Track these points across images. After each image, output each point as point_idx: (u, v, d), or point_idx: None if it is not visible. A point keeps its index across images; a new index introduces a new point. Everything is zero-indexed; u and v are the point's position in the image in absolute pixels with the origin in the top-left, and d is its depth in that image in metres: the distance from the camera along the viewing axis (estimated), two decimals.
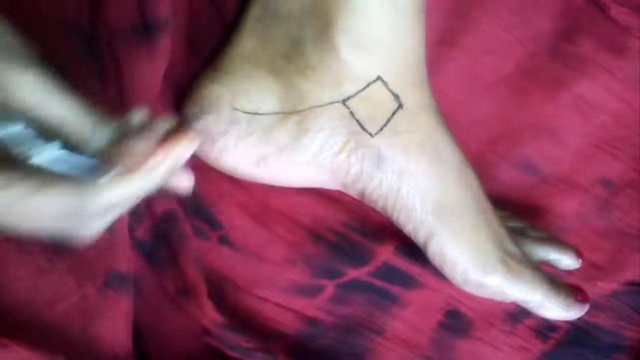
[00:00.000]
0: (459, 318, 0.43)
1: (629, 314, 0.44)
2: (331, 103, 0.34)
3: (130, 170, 0.27)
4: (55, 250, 0.36)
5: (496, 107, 0.43)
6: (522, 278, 0.35)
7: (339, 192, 0.36)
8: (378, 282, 0.42)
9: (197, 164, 0.34)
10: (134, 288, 0.39)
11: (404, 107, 0.34)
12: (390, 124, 0.34)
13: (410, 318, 0.43)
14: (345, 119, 0.34)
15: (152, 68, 0.36)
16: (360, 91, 0.33)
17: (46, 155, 0.27)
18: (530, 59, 0.42)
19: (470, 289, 0.36)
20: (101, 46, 0.36)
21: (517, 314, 0.43)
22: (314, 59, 0.33)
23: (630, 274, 0.44)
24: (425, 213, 0.34)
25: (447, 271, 0.36)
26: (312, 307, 0.42)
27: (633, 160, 0.43)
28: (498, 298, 0.36)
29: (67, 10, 0.35)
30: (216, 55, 0.36)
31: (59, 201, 0.26)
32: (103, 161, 0.27)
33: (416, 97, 0.34)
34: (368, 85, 0.33)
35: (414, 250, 0.37)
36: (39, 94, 0.26)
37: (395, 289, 0.42)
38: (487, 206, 0.36)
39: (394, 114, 0.34)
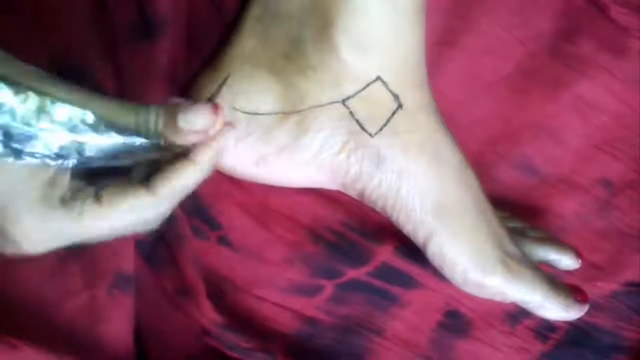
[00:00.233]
0: (459, 318, 0.43)
1: (628, 315, 0.44)
2: (331, 103, 0.33)
3: (191, 157, 0.29)
4: (68, 251, 0.36)
5: (496, 107, 0.43)
6: (521, 278, 0.35)
7: (339, 192, 0.36)
8: (377, 282, 0.42)
9: None
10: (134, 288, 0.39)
11: (403, 107, 0.34)
12: (390, 124, 0.34)
13: (410, 318, 0.43)
14: (344, 119, 0.34)
15: (152, 67, 0.36)
16: (360, 91, 0.33)
17: (107, 144, 0.27)
18: (530, 59, 0.42)
19: (470, 289, 0.36)
20: (102, 45, 0.36)
21: (517, 315, 0.43)
22: (313, 59, 0.33)
23: (629, 275, 0.44)
24: (424, 213, 0.34)
25: (447, 271, 0.36)
26: (311, 307, 0.42)
27: (633, 160, 0.43)
28: (498, 298, 0.36)
29: (74, 12, 0.35)
30: (216, 55, 0.36)
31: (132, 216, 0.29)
32: (162, 140, 0.28)
33: (416, 97, 0.34)
34: (368, 85, 0.33)
35: (413, 251, 0.37)
36: (74, 94, 0.27)
37: (395, 289, 0.42)
38: (486, 206, 0.36)
39: (393, 114, 0.34)
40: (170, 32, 0.37)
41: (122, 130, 0.27)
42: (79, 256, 0.37)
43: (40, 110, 0.25)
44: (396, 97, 0.34)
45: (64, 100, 0.26)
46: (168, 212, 0.30)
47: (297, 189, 0.38)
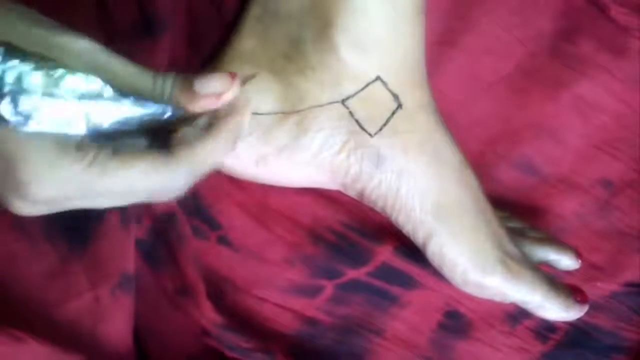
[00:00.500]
0: (459, 318, 0.43)
1: (628, 315, 0.44)
2: (331, 103, 0.33)
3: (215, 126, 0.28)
4: (71, 251, 0.36)
5: (496, 107, 0.43)
6: (521, 279, 0.35)
7: (339, 192, 0.36)
8: (377, 283, 0.42)
9: None
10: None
11: (403, 107, 0.34)
12: (389, 124, 0.34)
13: (410, 318, 0.43)
14: (344, 119, 0.34)
15: (152, 66, 0.36)
16: (359, 91, 0.33)
17: (124, 109, 0.27)
18: (530, 59, 0.42)
19: (470, 289, 0.36)
20: (103, 43, 0.36)
21: (517, 315, 0.43)
22: (313, 59, 0.33)
23: (629, 275, 0.44)
24: (424, 213, 0.34)
25: (447, 271, 0.36)
26: (311, 307, 0.42)
27: (633, 160, 0.43)
28: (497, 299, 0.36)
29: (75, 10, 0.35)
30: (216, 55, 0.36)
31: (151, 179, 0.27)
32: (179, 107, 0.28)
33: (415, 97, 0.34)
34: (367, 85, 0.33)
35: (413, 251, 0.37)
36: (98, 57, 0.27)
37: (395, 289, 0.42)
38: (486, 206, 0.36)
39: (393, 114, 0.34)
40: (170, 32, 0.37)
41: (135, 96, 0.27)
42: (82, 256, 0.37)
43: (46, 77, 0.25)
44: (396, 97, 0.34)
45: (73, 69, 0.26)
46: (185, 186, 0.29)
47: (297, 189, 0.38)
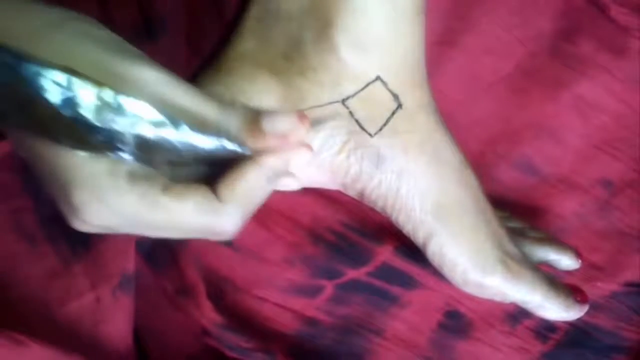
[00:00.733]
0: (459, 318, 0.43)
1: (628, 315, 0.44)
2: (331, 103, 0.33)
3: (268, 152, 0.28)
4: (71, 251, 0.36)
5: (496, 107, 0.43)
6: (521, 279, 0.35)
7: (339, 192, 0.36)
8: (377, 282, 0.42)
9: None
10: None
11: (403, 107, 0.34)
12: (389, 124, 0.34)
13: (410, 318, 0.43)
14: (344, 119, 0.34)
15: None
16: (359, 91, 0.33)
17: (182, 136, 0.27)
18: (530, 59, 0.42)
19: (470, 289, 0.36)
20: None
21: (517, 315, 0.43)
22: (313, 60, 0.33)
23: (629, 275, 0.44)
24: (424, 213, 0.34)
25: (447, 271, 0.36)
26: (311, 307, 0.42)
27: (633, 160, 0.43)
28: (497, 298, 0.36)
29: (77, 11, 0.35)
30: (216, 55, 0.36)
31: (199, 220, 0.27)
32: (239, 141, 0.28)
33: (415, 97, 0.34)
34: (367, 85, 0.33)
35: (413, 251, 0.37)
36: (164, 89, 0.27)
37: (395, 289, 0.42)
38: (486, 206, 0.36)
39: (393, 114, 0.34)
40: (170, 32, 0.37)
41: (192, 129, 0.27)
42: (82, 257, 0.37)
43: (105, 103, 0.25)
44: (396, 97, 0.34)
45: (132, 96, 0.26)
46: (237, 223, 0.28)
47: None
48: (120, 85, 0.25)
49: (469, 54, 0.41)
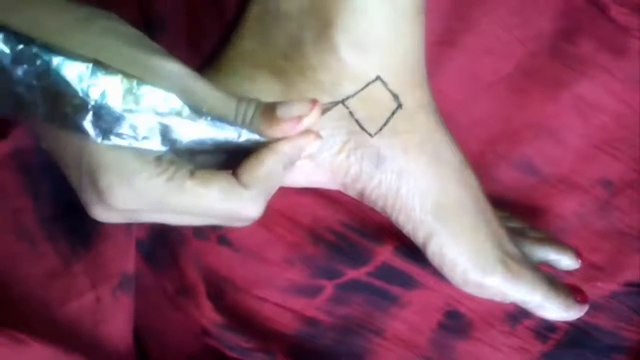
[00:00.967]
0: (459, 318, 0.43)
1: (628, 315, 0.44)
2: (331, 103, 0.33)
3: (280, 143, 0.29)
4: (72, 251, 0.36)
5: (496, 107, 0.43)
6: (521, 279, 0.35)
7: (339, 192, 0.36)
8: (377, 282, 0.42)
9: None
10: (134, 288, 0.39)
11: (403, 107, 0.34)
12: (389, 124, 0.34)
13: (410, 318, 0.43)
14: (344, 119, 0.34)
15: None
16: (359, 91, 0.33)
17: (201, 128, 0.28)
18: (530, 59, 0.42)
19: (470, 289, 0.36)
20: None
21: (517, 315, 0.43)
22: (313, 59, 0.33)
23: (629, 275, 0.44)
24: (424, 213, 0.34)
25: (447, 271, 0.36)
26: (311, 307, 0.42)
27: (633, 160, 0.43)
28: (497, 298, 0.36)
29: None
30: (216, 55, 0.36)
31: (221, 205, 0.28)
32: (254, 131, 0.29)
33: (415, 97, 0.34)
34: (367, 85, 0.33)
35: (413, 251, 0.37)
36: (185, 81, 0.28)
37: (395, 289, 0.42)
38: (486, 206, 0.36)
39: (393, 114, 0.34)
40: (170, 32, 0.37)
41: (211, 118, 0.28)
42: (82, 257, 0.37)
43: (129, 93, 0.26)
44: (396, 97, 0.34)
45: (155, 87, 0.27)
46: (259, 208, 0.29)
47: (297, 189, 0.38)
48: (146, 77, 0.26)
49: (469, 54, 0.41)
